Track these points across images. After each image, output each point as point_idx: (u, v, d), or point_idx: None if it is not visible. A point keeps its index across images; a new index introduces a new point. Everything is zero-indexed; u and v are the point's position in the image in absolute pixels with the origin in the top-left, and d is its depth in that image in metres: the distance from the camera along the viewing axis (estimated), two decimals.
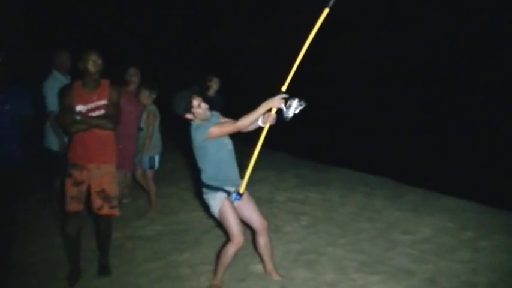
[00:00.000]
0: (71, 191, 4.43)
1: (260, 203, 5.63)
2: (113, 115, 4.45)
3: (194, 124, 4.10)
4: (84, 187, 4.48)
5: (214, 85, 6.88)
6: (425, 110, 12.66)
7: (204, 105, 4.10)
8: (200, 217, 5.87)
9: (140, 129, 6.08)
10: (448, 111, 12.13)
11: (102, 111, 4.41)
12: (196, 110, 4.08)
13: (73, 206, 4.45)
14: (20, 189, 4.81)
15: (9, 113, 4.58)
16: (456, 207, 5.72)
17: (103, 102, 4.43)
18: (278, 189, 6.73)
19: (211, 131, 3.97)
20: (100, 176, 4.49)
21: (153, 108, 6.10)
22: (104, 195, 4.53)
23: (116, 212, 4.65)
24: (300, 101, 3.91)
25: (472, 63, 13.49)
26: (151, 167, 6.16)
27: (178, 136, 5.15)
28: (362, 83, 14.92)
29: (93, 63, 4.35)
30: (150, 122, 6.04)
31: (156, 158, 6.18)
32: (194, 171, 4.30)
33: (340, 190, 6.55)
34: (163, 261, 4.93)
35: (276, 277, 4.33)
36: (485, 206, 5.80)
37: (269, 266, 4.34)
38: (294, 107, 3.90)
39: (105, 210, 4.57)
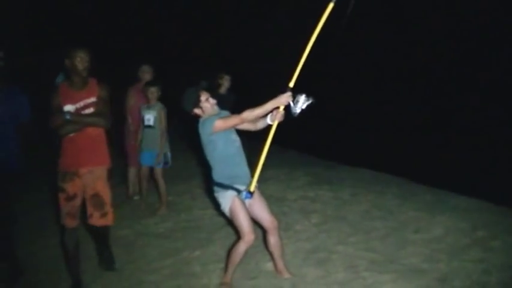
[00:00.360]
0: (65, 206, 4.33)
1: (271, 201, 5.65)
2: (104, 112, 4.34)
3: (201, 119, 4.13)
4: (78, 201, 4.38)
5: (225, 82, 6.86)
6: (439, 108, 12.59)
7: (212, 100, 4.15)
8: (211, 214, 5.89)
9: (149, 126, 6.05)
10: (463, 110, 12.05)
11: (91, 109, 4.31)
12: (204, 105, 4.12)
13: (68, 222, 4.37)
14: (20, 190, 4.84)
15: (6, 115, 4.58)
16: (468, 206, 5.68)
17: (92, 100, 4.32)
18: (289, 187, 6.73)
19: (216, 123, 4.00)
20: (93, 180, 4.38)
21: (162, 105, 6.11)
22: (97, 201, 4.41)
23: (107, 221, 4.51)
24: (307, 96, 3.93)
25: (481, 59, 13.41)
26: (166, 163, 6.17)
27: (188, 134, 5.15)
28: (373, 80, 14.87)
29: (81, 60, 4.23)
30: (163, 118, 6.06)
31: (169, 155, 6.21)
32: (205, 168, 4.31)
33: (352, 188, 6.53)
34: (174, 259, 4.96)
35: (286, 275, 4.33)
36: (497, 206, 5.75)
37: (279, 264, 4.35)
38: (302, 102, 3.93)
39: (95, 220, 4.44)
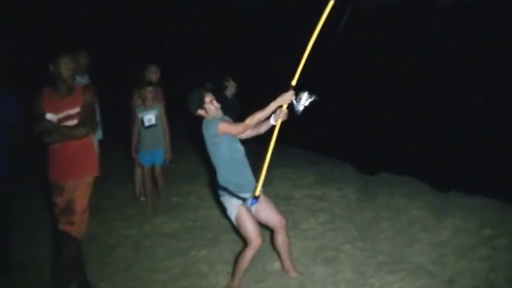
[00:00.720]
0: (61, 218, 4.21)
1: (277, 200, 5.66)
2: (88, 120, 4.13)
3: (205, 121, 4.14)
4: None
5: (230, 87, 6.64)
6: (444, 108, 12.53)
7: (216, 104, 4.15)
8: (218, 214, 5.90)
9: (150, 126, 5.99)
10: (467, 109, 11.99)
11: (75, 121, 4.08)
12: (208, 106, 4.13)
13: None
14: (20, 191, 4.81)
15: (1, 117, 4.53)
16: (475, 205, 5.65)
17: (75, 110, 4.09)
18: (295, 186, 6.72)
19: (220, 126, 4.01)
20: (75, 187, 4.16)
21: (160, 103, 6.10)
22: (68, 207, 4.15)
23: (72, 229, 4.17)
24: (309, 93, 3.94)
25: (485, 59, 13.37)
26: (165, 161, 6.17)
27: (193, 134, 5.14)
28: (381, 81, 14.85)
29: (66, 67, 4.02)
30: (164, 116, 6.05)
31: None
32: (211, 168, 4.31)
33: (358, 187, 6.53)
34: (181, 259, 4.98)
35: (294, 274, 4.34)
36: (504, 204, 5.73)
37: (287, 263, 4.35)
38: (304, 99, 3.94)
39: (61, 225, 4.18)
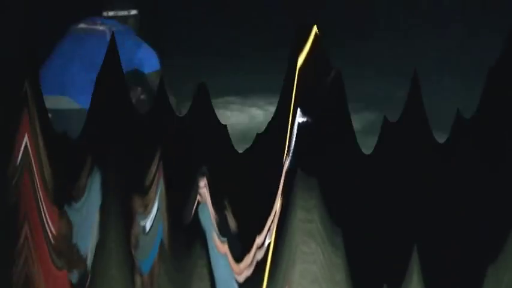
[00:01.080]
0: None
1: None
2: (64, 257, 3.75)
3: (201, 205, 3.92)
4: None
5: (231, 222, 6.16)
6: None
7: (214, 214, 3.95)
8: None
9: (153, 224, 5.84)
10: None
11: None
12: (203, 191, 3.90)
13: None
14: None
15: None
16: None
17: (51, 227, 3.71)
18: (296, 208, 6.58)
19: (217, 243, 3.82)
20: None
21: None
22: None
23: None
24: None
25: None
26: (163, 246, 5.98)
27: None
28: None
29: (46, 166, 3.46)
30: (164, 197, 5.87)
31: None
32: None
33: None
34: None
35: None
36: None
37: None
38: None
39: None
